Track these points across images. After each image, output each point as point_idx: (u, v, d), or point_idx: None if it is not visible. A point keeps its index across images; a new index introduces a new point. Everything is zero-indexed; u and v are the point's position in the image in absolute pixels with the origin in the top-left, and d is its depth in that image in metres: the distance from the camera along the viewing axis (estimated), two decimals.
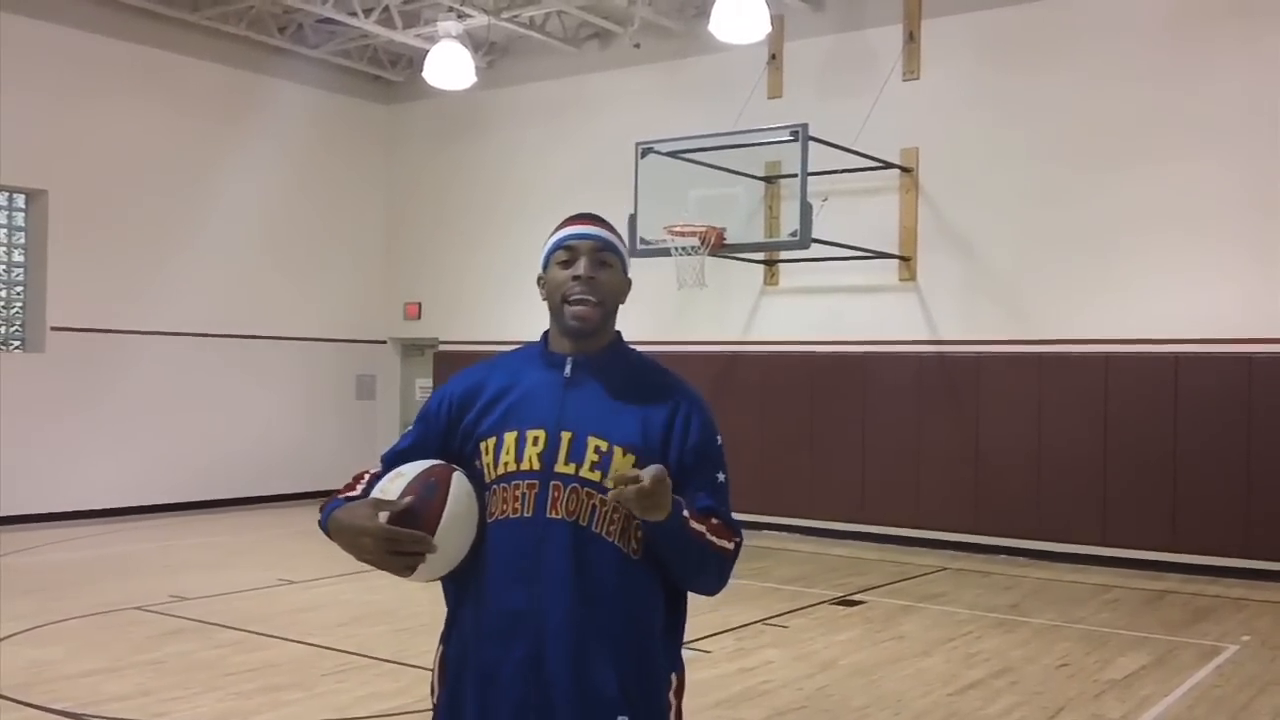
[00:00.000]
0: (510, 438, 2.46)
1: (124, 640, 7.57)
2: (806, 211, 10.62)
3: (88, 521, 13.24)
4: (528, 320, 15.41)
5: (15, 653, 7.16)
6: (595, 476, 2.41)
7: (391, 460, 2.56)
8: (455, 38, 13.65)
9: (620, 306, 2.59)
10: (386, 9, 14.21)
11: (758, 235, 12.82)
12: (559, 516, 2.41)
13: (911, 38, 12.70)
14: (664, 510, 2.30)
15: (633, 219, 11.49)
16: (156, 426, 14.17)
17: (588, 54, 15.15)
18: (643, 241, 11.41)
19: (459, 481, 2.43)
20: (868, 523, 12.69)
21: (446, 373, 16.26)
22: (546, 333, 2.61)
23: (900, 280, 12.74)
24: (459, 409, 2.55)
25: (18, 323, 13.62)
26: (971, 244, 12.36)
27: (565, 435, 2.44)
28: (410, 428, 2.65)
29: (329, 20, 14.54)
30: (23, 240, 13.64)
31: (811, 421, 13.12)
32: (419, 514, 2.35)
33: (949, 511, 12.24)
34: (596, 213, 2.63)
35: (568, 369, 2.52)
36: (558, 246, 2.55)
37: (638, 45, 14.15)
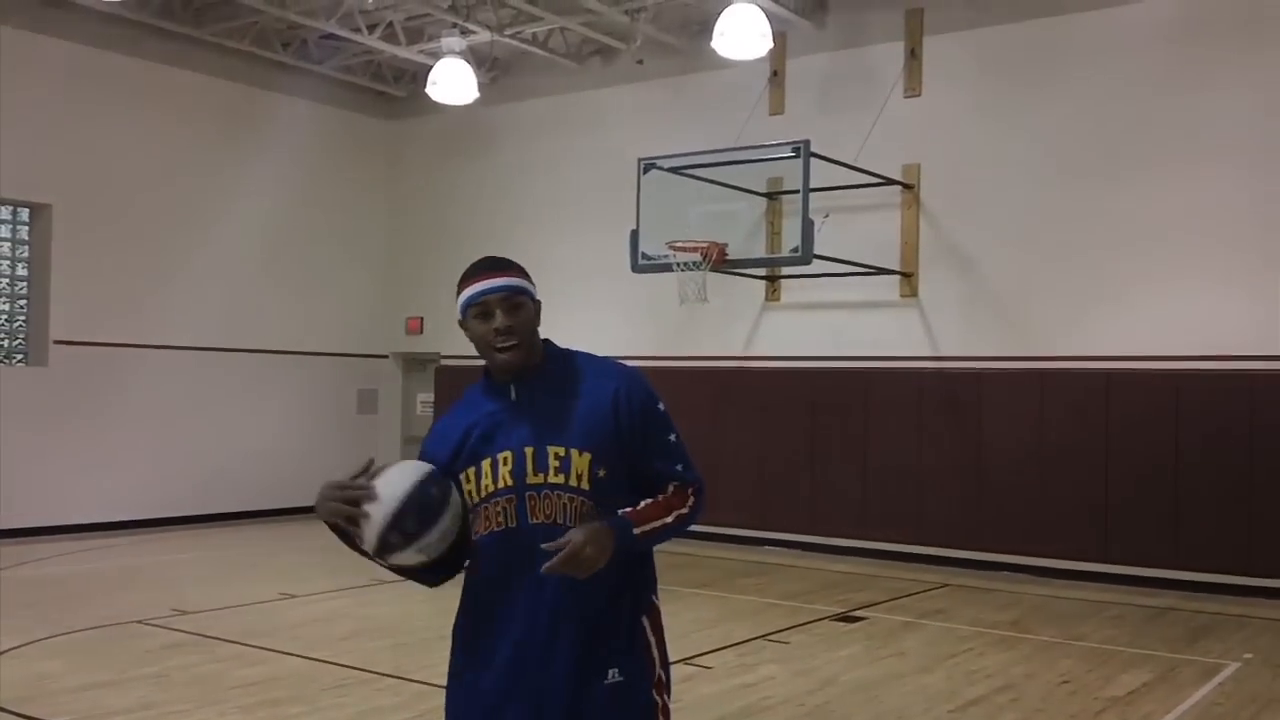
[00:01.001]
0: (485, 464, 2.78)
1: (126, 654, 7.57)
2: (808, 227, 10.64)
3: (90, 535, 13.24)
4: None
5: (17, 666, 7.17)
6: (560, 480, 2.73)
7: None
8: (458, 54, 13.70)
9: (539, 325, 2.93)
10: (390, 25, 14.28)
11: (759, 251, 12.86)
12: (539, 521, 2.73)
13: (913, 55, 12.75)
14: (603, 556, 2.62)
15: (634, 234, 11.52)
16: (159, 440, 14.19)
17: (590, 70, 15.21)
18: (645, 257, 11.44)
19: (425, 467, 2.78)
20: (869, 539, 12.68)
21: (448, 387, 16.33)
22: (486, 367, 2.92)
23: (901, 296, 12.76)
24: (437, 455, 2.87)
25: (20, 336, 13.65)
26: (973, 260, 12.38)
27: (528, 450, 2.76)
28: None
29: (333, 36, 14.60)
30: (26, 254, 13.69)
31: (813, 437, 13.13)
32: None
33: (950, 528, 12.24)
34: (495, 255, 2.93)
35: (513, 394, 2.85)
36: (470, 304, 2.85)
37: (640, 62, 14.20)
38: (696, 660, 7.60)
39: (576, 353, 2.96)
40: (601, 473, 2.74)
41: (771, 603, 10.06)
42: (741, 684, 7.15)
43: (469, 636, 2.84)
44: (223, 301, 15.00)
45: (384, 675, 7.18)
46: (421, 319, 16.94)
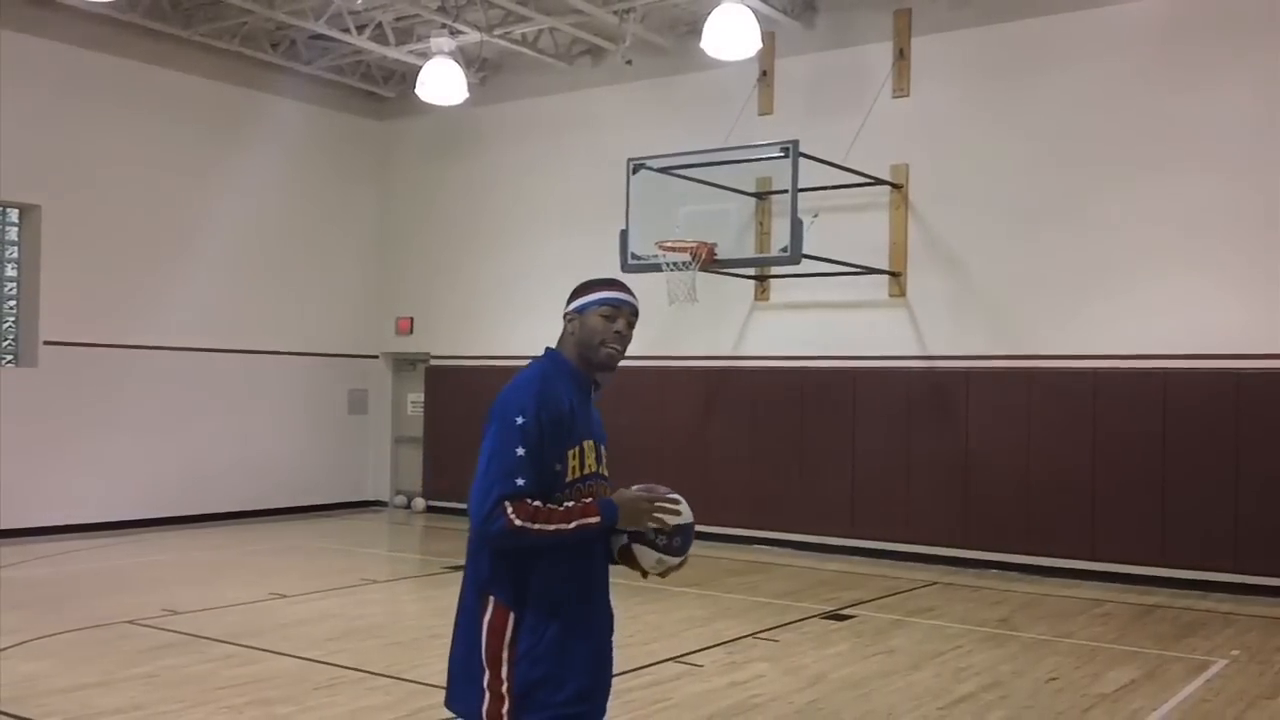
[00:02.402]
0: (588, 445, 3.17)
1: (116, 654, 7.57)
2: (797, 227, 10.67)
3: (80, 535, 13.22)
4: (518, 335, 15.55)
5: (7, 667, 7.16)
6: (606, 473, 3.25)
7: (538, 494, 3.02)
8: (448, 54, 13.70)
9: None
10: (380, 25, 14.28)
11: (749, 251, 12.89)
12: None
13: (901, 55, 12.79)
14: None
15: (624, 234, 11.54)
16: (149, 440, 14.17)
17: (580, 71, 15.22)
18: (634, 257, 11.47)
19: None
20: (858, 537, 12.72)
21: (438, 387, 16.35)
22: (557, 356, 3.27)
23: (890, 296, 12.80)
24: (551, 427, 3.06)
25: (10, 337, 13.62)
26: (961, 260, 12.43)
27: (600, 444, 3.26)
28: (521, 455, 3.04)
29: (322, 36, 14.60)
30: (16, 255, 13.65)
31: (802, 436, 13.17)
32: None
33: (939, 526, 12.28)
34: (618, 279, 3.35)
35: (595, 390, 3.30)
36: (606, 303, 3.26)
37: (630, 62, 14.22)
38: (686, 658, 7.63)
39: None
40: None
41: (761, 601, 10.09)
42: (731, 682, 7.17)
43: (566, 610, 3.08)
44: (212, 302, 14.98)
45: (375, 675, 7.18)
46: (411, 319, 16.94)
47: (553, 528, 2.97)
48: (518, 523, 2.94)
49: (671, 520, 3.11)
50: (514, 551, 3.00)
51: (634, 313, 3.27)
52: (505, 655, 3.03)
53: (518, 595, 3.03)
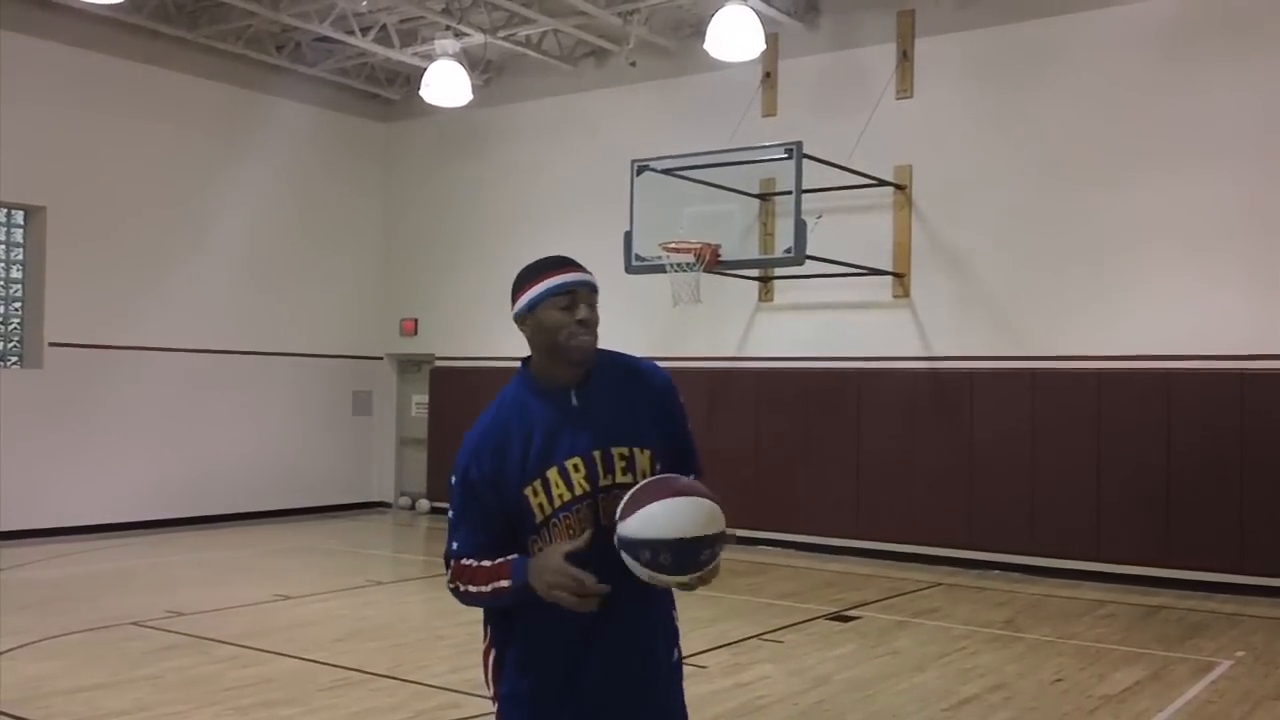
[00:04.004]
0: (553, 474, 2.74)
1: (121, 656, 7.58)
2: (801, 228, 10.67)
3: (85, 537, 13.24)
4: (522, 337, 15.51)
5: (13, 668, 7.17)
6: (628, 479, 2.76)
7: (477, 552, 2.76)
8: (452, 56, 13.72)
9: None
10: (384, 28, 14.30)
11: (752, 252, 12.88)
12: (606, 523, 2.71)
13: (905, 56, 12.79)
14: None
15: (628, 236, 11.55)
16: (154, 442, 14.19)
17: (584, 72, 15.23)
18: (638, 258, 11.47)
19: None
20: (862, 538, 12.72)
21: (442, 389, 16.35)
22: (525, 371, 2.87)
23: (894, 297, 12.80)
24: (494, 472, 2.76)
25: (15, 339, 13.64)
26: (965, 260, 12.42)
27: (596, 454, 2.76)
28: (452, 518, 2.83)
29: (326, 39, 14.62)
30: (21, 256, 13.68)
31: (806, 437, 13.16)
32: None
33: (943, 527, 12.27)
34: (567, 255, 2.90)
35: (574, 399, 2.81)
36: (558, 291, 2.79)
37: (634, 64, 14.23)
38: (691, 659, 7.61)
39: (608, 351, 2.93)
40: (658, 466, 2.81)
41: (766, 602, 10.09)
42: (736, 683, 7.17)
43: (540, 650, 2.80)
44: (217, 303, 15.00)
45: (380, 676, 7.19)
46: (416, 320, 16.95)
47: (475, 589, 2.74)
48: (452, 585, 2.80)
49: (569, 602, 2.59)
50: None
51: (592, 289, 2.83)
52: (491, 692, 2.92)
53: (502, 634, 2.87)
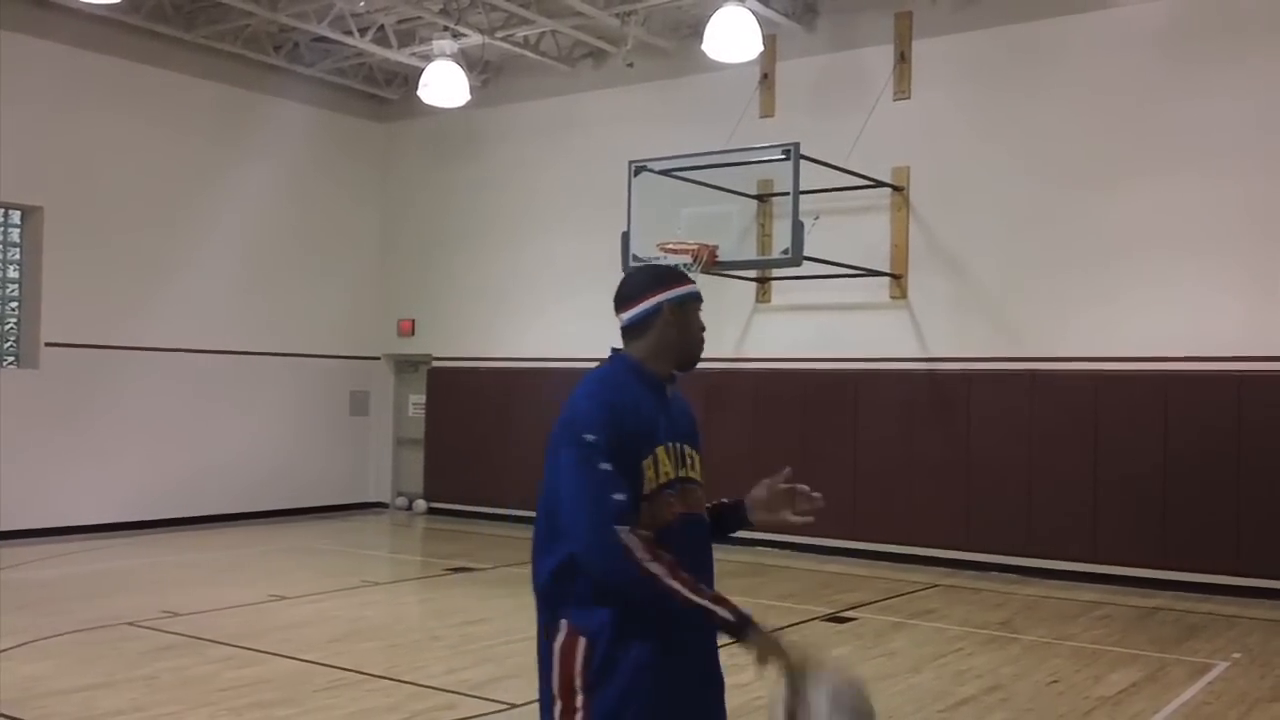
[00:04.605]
0: (661, 451, 2.88)
1: (116, 656, 7.57)
2: (798, 229, 10.68)
3: (81, 537, 13.22)
4: (520, 337, 15.56)
5: (8, 668, 7.16)
6: (695, 475, 2.99)
7: (624, 514, 2.71)
8: (450, 56, 13.71)
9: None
10: (382, 28, 14.29)
11: (750, 253, 12.88)
12: (686, 511, 2.91)
13: (903, 58, 12.79)
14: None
15: (626, 236, 11.55)
16: (151, 442, 14.17)
17: (582, 73, 15.23)
18: (635, 259, 11.46)
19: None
20: (859, 539, 12.71)
21: (439, 389, 16.35)
22: (629, 359, 2.98)
23: (891, 298, 12.80)
24: (633, 432, 2.82)
25: (12, 338, 13.62)
26: (962, 262, 12.43)
27: (680, 446, 2.96)
28: (610, 476, 2.74)
29: (324, 39, 14.61)
30: (18, 256, 13.66)
31: (803, 438, 13.15)
32: None
33: (940, 528, 12.28)
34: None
35: (668, 391, 3.02)
36: (699, 299, 3.04)
37: (631, 65, 14.22)
38: None
39: None
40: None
41: (762, 603, 10.07)
42: (733, 684, 7.11)
43: (661, 629, 2.76)
44: (214, 303, 14.99)
45: (375, 677, 7.19)
46: (413, 321, 16.94)
47: (659, 573, 2.66)
48: (628, 548, 2.66)
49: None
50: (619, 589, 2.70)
51: None
52: (579, 684, 2.75)
53: (597, 618, 2.75)
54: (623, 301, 3.00)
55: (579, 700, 2.74)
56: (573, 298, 14.62)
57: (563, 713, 2.76)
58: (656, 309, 2.95)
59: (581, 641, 2.76)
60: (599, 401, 2.82)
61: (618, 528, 2.67)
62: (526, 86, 15.71)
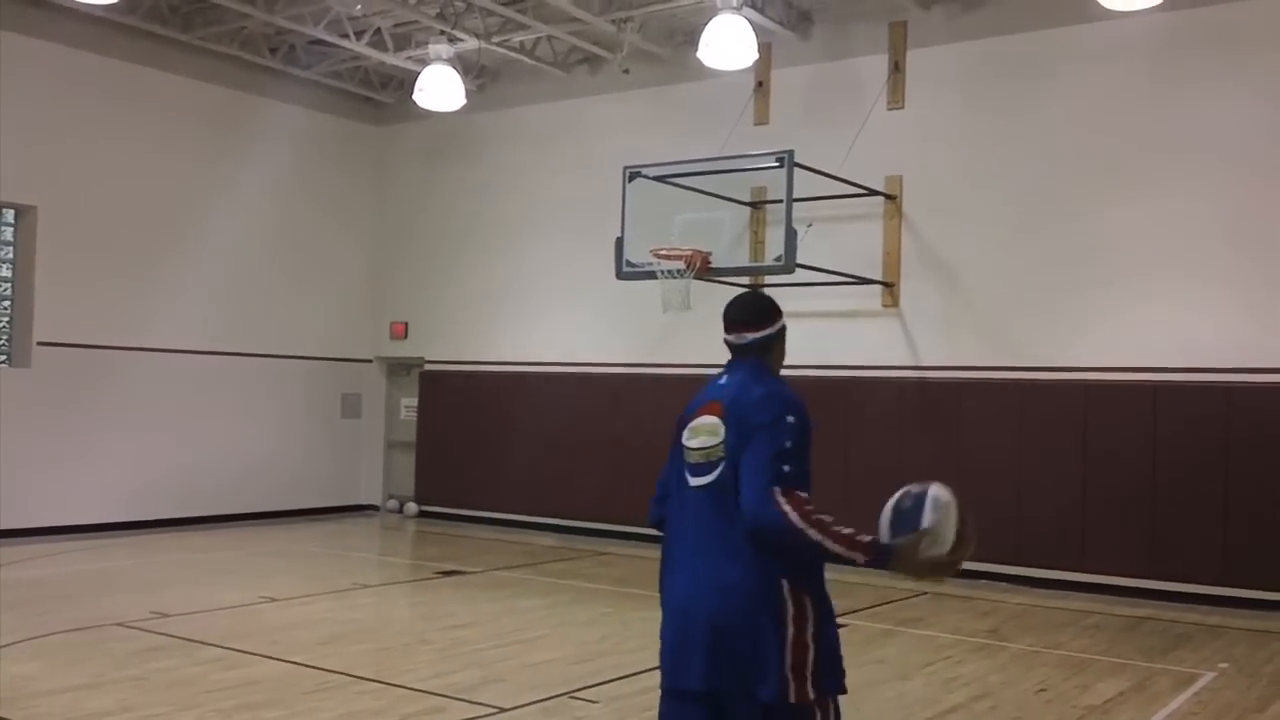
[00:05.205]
0: None
1: (105, 656, 7.57)
2: (791, 237, 10.71)
3: (70, 537, 13.20)
4: (512, 341, 15.57)
5: None
6: None
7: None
8: (446, 61, 13.72)
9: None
10: (378, 31, 14.31)
11: (743, 260, 12.90)
12: None
13: (897, 67, 12.84)
14: None
15: (619, 242, 11.57)
16: (142, 442, 14.16)
17: (577, 79, 15.26)
18: (629, 264, 11.49)
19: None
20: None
21: (431, 392, 16.37)
22: (769, 365, 3.88)
23: (883, 306, 12.84)
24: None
25: (4, 338, 13.60)
26: (954, 271, 12.47)
27: None
28: (802, 458, 3.69)
29: (320, 42, 14.62)
30: (11, 255, 13.65)
31: None
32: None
33: None
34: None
35: None
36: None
37: (627, 71, 14.25)
38: None
39: None
40: None
41: None
42: None
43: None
44: (207, 305, 14.98)
45: (364, 679, 7.19)
46: (406, 324, 16.95)
47: (836, 530, 3.55)
48: (808, 510, 3.45)
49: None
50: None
51: None
52: (809, 637, 3.52)
53: (808, 579, 3.55)
54: (757, 322, 3.85)
55: (810, 655, 3.59)
56: (567, 302, 14.64)
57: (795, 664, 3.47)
58: (781, 331, 3.84)
59: (806, 600, 3.63)
60: (801, 400, 3.68)
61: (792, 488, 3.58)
62: (522, 92, 15.74)
